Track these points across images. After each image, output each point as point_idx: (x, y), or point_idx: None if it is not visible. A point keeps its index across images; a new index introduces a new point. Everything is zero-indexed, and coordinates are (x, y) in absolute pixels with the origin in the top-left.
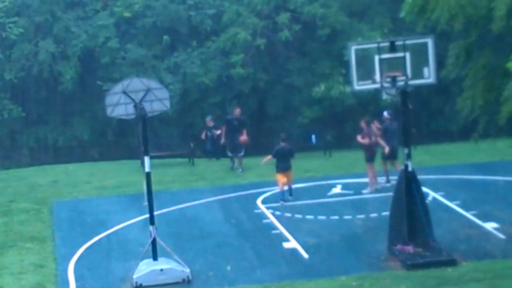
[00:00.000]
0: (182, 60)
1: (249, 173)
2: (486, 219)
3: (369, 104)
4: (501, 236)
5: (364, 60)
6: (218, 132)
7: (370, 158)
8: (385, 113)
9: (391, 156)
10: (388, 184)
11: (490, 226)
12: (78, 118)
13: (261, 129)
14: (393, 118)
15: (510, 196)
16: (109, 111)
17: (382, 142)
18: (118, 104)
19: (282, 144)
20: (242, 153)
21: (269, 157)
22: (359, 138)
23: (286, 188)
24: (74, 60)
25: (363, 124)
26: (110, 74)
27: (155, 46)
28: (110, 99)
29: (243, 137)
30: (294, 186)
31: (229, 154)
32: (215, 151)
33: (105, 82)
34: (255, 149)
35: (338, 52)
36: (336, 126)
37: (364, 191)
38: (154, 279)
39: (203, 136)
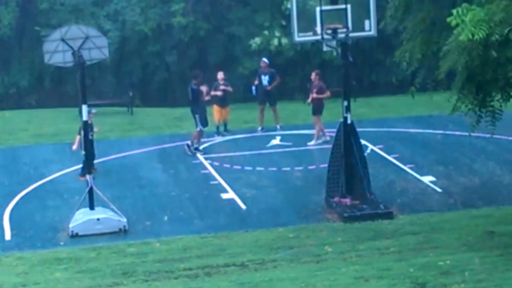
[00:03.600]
0: (121, 7)
1: (187, 123)
2: (423, 172)
3: (310, 55)
4: (438, 189)
5: (305, 12)
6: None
7: (319, 111)
8: (264, 59)
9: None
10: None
11: (427, 179)
12: (15, 65)
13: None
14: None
15: (448, 150)
16: (46, 58)
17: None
18: (56, 52)
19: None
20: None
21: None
22: (314, 94)
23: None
24: (12, 6)
25: (314, 76)
26: (49, 20)
27: None
28: (48, 46)
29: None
30: (234, 136)
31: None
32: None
33: (43, 28)
34: None
35: (279, 2)
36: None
37: (310, 143)
38: (90, 229)
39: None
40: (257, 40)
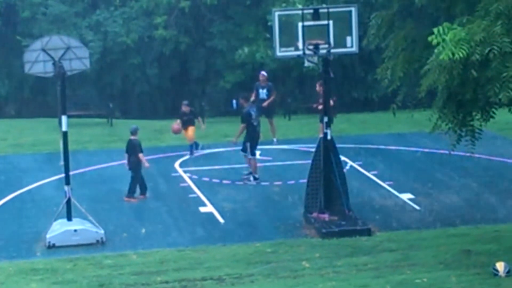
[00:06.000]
0: (104, 18)
1: (167, 136)
2: (402, 190)
3: (292, 69)
4: (416, 207)
5: (288, 27)
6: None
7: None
8: (263, 73)
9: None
10: None
11: (405, 197)
12: None
13: (182, 92)
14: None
15: (427, 167)
16: (27, 68)
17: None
18: (37, 61)
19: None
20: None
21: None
22: (320, 106)
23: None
24: None
25: (319, 87)
26: (30, 30)
27: (77, 3)
28: (29, 55)
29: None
30: (214, 150)
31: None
32: None
33: (25, 37)
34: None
35: (262, 16)
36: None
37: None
38: (67, 240)
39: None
40: (245, 49)
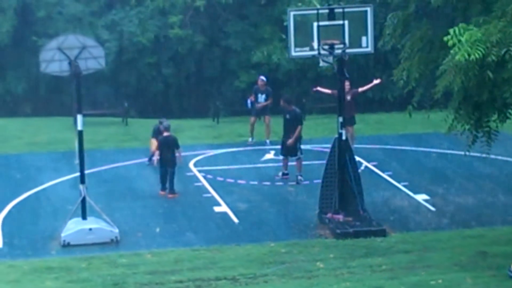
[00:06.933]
0: (119, 18)
1: (181, 135)
2: (417, 190)
3: (308, 69)
4: (431, 208)
5: (303, 27)
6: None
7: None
8: (262, 78)
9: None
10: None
11: (420, 198)
12: (12, 72)
13: (198, 92)
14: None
15: (442, 168)
16: (43, 67)
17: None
18: (53, 61)
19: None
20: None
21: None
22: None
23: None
24: (9, 13)
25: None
26: (46, 29)
27: (93, 2)
28: (45, 55)
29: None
30: (229, 150)
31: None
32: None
33: (41, 37)
34: (192, 111)
35: (278, 16)
36: (273, 91)
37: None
38: (82, 238)
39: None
40: (265, 52)
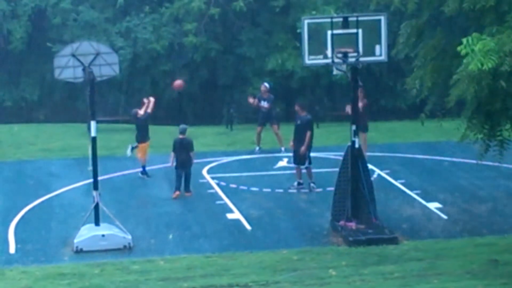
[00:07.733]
0: (134, 25)
1: (195, 142)
2: (429, 199)
3: (321, 77)
4: (444, 216)
5: (317, 35)
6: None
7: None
8: (265, 84)
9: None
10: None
11: (433, 206)
12: (26, 79)
13: (212, 99)
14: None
15: (454, 176)
16: (57, 73)
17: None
18: (67, 67)
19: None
20: None
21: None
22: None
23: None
24: (24, 20)
25: (361, 93)
26: (61, 36)
27: (107, 9)
28: (59, 61)
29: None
30: (241, 157)
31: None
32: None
33: (55, 43)
34: (206, 118)
35: (292, 24)
36: (287, 99)
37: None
38: (95, 245)
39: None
40: (279, 60)
